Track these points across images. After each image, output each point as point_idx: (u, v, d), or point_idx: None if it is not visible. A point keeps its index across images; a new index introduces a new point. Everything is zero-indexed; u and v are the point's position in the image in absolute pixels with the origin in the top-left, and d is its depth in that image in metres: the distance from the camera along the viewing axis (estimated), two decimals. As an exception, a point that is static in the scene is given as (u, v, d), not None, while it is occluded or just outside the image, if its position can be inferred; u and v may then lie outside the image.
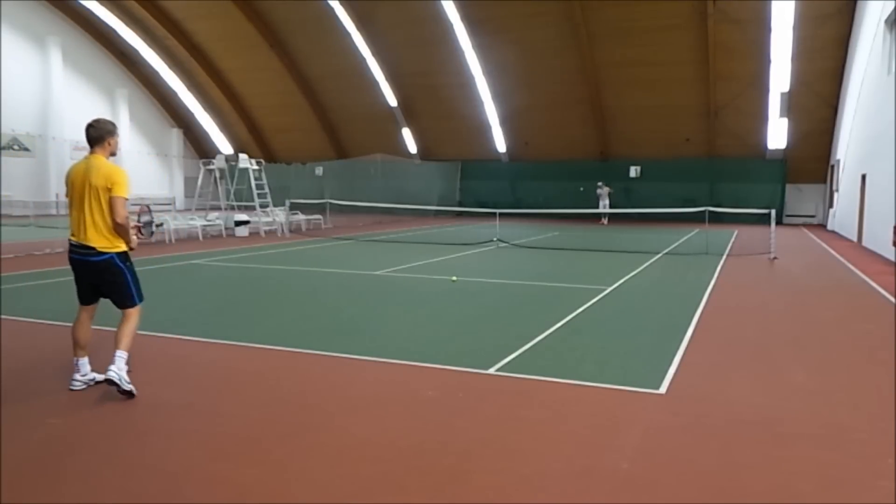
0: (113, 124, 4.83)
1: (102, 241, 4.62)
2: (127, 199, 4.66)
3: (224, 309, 8.15)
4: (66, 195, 4.76)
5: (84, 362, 4.82)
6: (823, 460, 3.69)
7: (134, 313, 4.78)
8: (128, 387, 4.53)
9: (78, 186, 4.63)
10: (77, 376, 4.79)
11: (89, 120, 4.79)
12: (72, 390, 4.74)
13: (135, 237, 4.87)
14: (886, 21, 16.69)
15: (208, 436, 4.00)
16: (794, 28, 24.04)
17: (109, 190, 4.58)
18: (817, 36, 23.97)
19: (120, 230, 4.64)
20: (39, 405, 4.47)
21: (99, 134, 4.69)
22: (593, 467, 3.55)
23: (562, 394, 4.80)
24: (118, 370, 4.51)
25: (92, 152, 4.72)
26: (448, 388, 4.90)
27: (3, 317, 7.21)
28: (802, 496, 3.24)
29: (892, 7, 15.95)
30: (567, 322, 7.24)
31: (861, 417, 4.37)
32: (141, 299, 4.82)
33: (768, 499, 3.21)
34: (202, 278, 10.82)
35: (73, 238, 4.70)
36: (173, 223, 17.75)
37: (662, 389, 4.87)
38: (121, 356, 4.58)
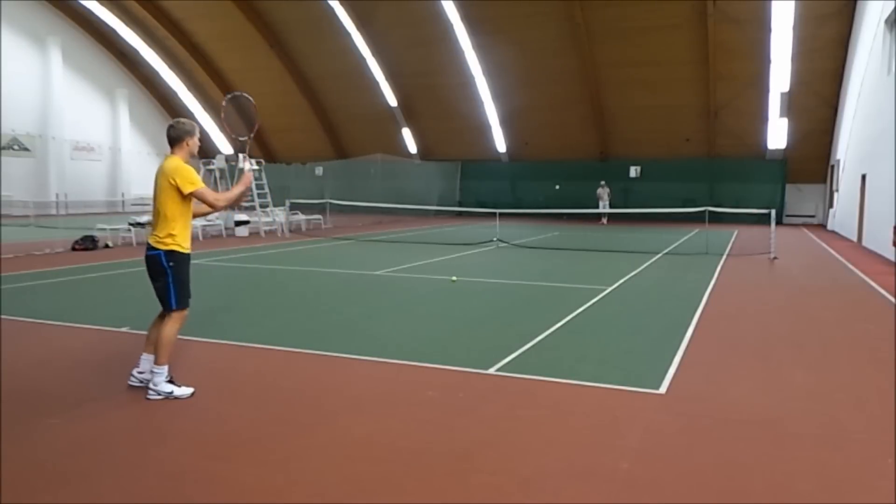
0: (192, 125, 4.74)
1: (154, 237, 4.61)
2: (202, 188, 4.60)
3: (224, 309, 8.15)
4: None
5: (145, 359, 4.74)
6: (823, 460, 3.69)
7: (171, 319, 4.63)
8: (180, 392, 4.58)
9: (154, 187, 4.62)
10: (134, 371, 4.81)
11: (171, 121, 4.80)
12: (130, 385, 4.79)
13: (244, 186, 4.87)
14: (886, 21, 16.68)
15: (208, 436, 4.00)
16: (794, 28, 24.04)
17: (173, 185, 4.50)
18: (817, 36, 23.97)
19: (228, 203, 4.74)
20: (40, 406, 4.47)
21: (177, 134, 4.66)
22: (593, 467, 3.55)
23: (562, 394, 4.80)
24: (154, 386, 4.55)
25: (171, 153, 4.69)
26: (448, 388, 4.90)
27: (3, 317, 7.21)
28: (802, 496, 3.24)
29: (892, 7, 15.95)
30: (567, 322, 7.24)
31: (861, 417, 4.37)
32: (179, 305, 4.64)
33: (768, 499, 3.21)
34: (202, 278, 10.81)
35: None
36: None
37: (662, 389, 4.87)
38: (157, 372, 4.56)
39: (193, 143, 4.71)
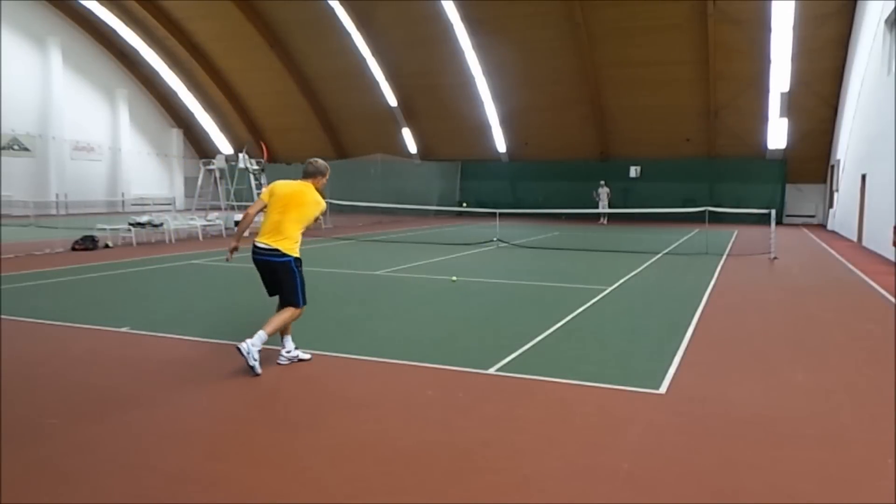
0: (326, 167, 5.70)
1: (284, 245, 5.34)
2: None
3: (224, 309, 8.15)
4: (266, 204, 5.50)
5: (286, 339, 5.49)
6: (823, 460, 3.69)
7: (292, 310, 5.36)
8: (252, 362, 5.01)
9: (285, 199, 5.42)
10: (282, 352, 5.49)
11: (310, 158, 5.78)
12: (278, 363, 5.42)
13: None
14: (886, 21, 16.68)
15: (208, 436, 4.00)
16: (794, 28, 24.03)
17: (316, 210, 5.48)
18: (817, 36, 23.96)
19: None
20: (39, 405, 4.47)
21: (315, 169, 5.63)
22: (593, 467, 3.55)
23: (562, 394, 4.80)
24: (249, 344, 5.02)
25: (305, 180, 5.60)
26: (448, 388, 4.90)
27: (3, 317, 7.21)
28: (802, 496, 3.24)
29: (892, 7, 15.95)
30: (567, 322, 7.24)
31: (861, 417, 4.37)
32: (304, 302, 5.45)
33: (768, 499, 3.21)
34: (202, 278, 10.83)
35: (261, 241, 5.42)
36: (173, 223, 17.74)
37: (662, 389, 4.87)
38: (259, 335, 5.08)
39: (324, 182, 5.66)
